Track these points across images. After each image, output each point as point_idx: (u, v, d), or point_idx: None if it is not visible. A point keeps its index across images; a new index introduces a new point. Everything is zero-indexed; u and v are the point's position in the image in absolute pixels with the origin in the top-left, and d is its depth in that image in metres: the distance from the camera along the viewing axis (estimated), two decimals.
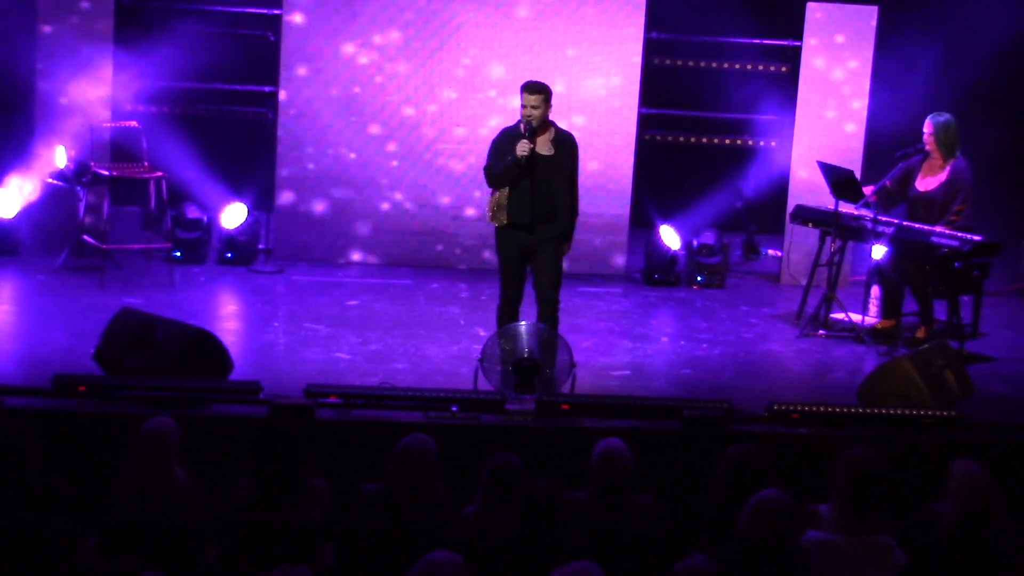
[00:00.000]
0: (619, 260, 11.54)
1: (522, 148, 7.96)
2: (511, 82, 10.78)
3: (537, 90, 8.06)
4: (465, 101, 11.24)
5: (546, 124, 8.14)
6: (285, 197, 11.36)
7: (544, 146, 8.14)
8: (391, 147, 11.32)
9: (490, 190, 8.25)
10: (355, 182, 11.33)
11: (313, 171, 11.31)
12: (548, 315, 8.28)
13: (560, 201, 8.17)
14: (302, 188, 11.34)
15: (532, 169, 8.04)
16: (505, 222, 8.16)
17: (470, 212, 11.34)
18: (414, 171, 11.36)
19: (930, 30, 12.04)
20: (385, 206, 11.39)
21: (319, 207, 11.36)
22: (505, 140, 8.16)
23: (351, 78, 11.22)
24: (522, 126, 8.07)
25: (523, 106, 8.05)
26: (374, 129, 11.29)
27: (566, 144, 8.23)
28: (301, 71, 11.18)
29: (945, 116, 9.67)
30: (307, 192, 11.34)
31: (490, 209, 8.24)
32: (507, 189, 8.12)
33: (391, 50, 11.21)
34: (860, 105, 11.37)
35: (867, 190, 9.71)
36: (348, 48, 11.20)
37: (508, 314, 8.30)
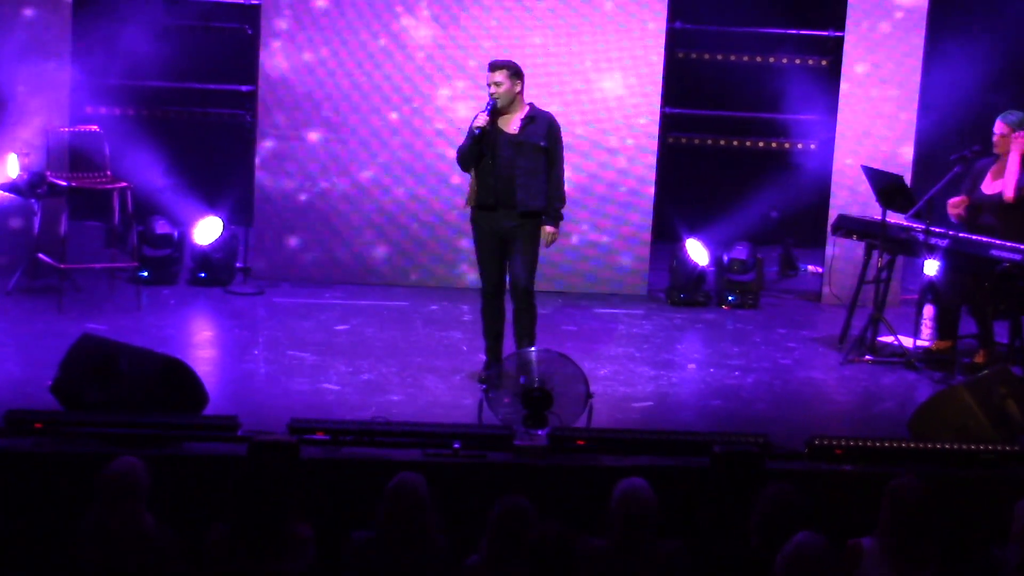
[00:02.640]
0: (640, 278, 11.55)
1: (477, 121, 8.63)
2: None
3: (499, 67, 8.74)
4: (470, 100, 11.28)
5: (517, 103, 8.74)
6: (265, 210, 11.40)
7: (511, 124, 8.72)
8: (384, 154, 11.36)
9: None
10: (344, 193, 11.37)
11: (297, 180, 11.35)
12: (521, 306, 8.82)
13: (528, 183, 8.66)
14: (284, 200, 11.38)
15: (495, 148, 8.65)
16: (472, 204, 8.83)
17: (465, 221, 11.38)
18: (411, 180, 11.40)
19: (989, 16, 12.07)
20: (378, 220, 11.42)
21: (303, 222, 11.39)
22: (471, 123, 8.78)
23: (340, 76, 11.27)
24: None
25: (487, 84, 8.72)
26: (365, 133, 11.33)
27: (538, 123, 8.74)
28: (282, 68, 11.23)
29: (1017, 114, 9.67)
30: (290, 204, 11.38)
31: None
32: (475, 170, 8.75)
33: (388, 46, 11.26)
34: (910, 103, 11.38)
35: (953, 201, 9.70)
36: (336, 44, 11.25)
37: (488, 311, 8.92)
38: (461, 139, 10.47)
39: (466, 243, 11.41)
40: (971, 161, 9.77)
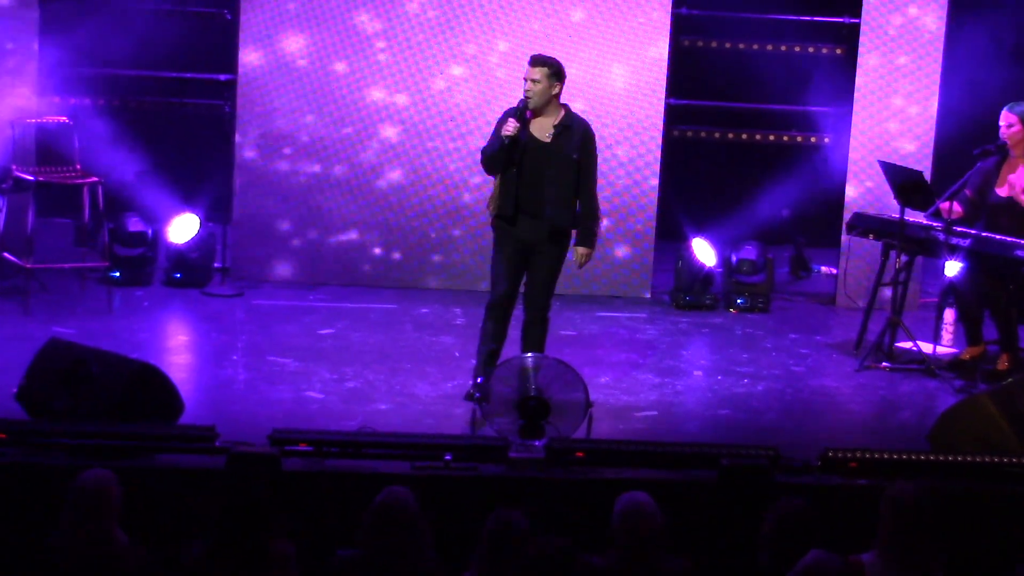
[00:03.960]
0: (644, 279, 11.56)
1: (508, 127, 8.26)
2: (515, 73, 10.85)
3: (540, 62, 8.33)
4: (466, 88, 11.29)
5: (553, 105, 8.38)
6: (244, 206, 11.40)
7: (543, 130, 8.39)
8: (371, 146, 11.37)
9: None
10: (328, 190, 11.37)
11: (278, 176, 11.35)
12: (536, 321, 8.63)
13: (556, 196, 8.37)
14: (265, 196, 11.38)
15: (522, 155, 8.32)
16: (493, 213, 8.55)
17: (465, 223, 11.40)
18: (402, 175, 11.40)
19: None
20: (365, 217, 11.42)
21: (286, 218, 11.40)
22: (503, 120, 8.42)
23: (326, 63, 11.27)
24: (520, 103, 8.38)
25: (524, 80, 8.35)
26: (352, 125, 11.33)
27: (573, 131, 8.41)
28: (263, 56, 11.23)
29: None
30: (271, 200, 11.38)
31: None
32: (500, 176, 8.44)
33: (377, 31, 11.27)
34: (931, 93, 11.40)
35: (943, 206, 9.62)
36: (322, 29, 11.25)
37: (491, 324, 8.59)
38: (457, 131, 10.44)
39: (459, 240, 11.42)
40: (989, 157, 9.76)
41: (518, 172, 8.35)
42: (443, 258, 11.49)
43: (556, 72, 8.33)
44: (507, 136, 8.26)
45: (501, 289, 8.58)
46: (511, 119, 8.29)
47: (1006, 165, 9.73)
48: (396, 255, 11.48)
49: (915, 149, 11.30)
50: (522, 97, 8.35)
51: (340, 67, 11.27)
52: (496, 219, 8.54)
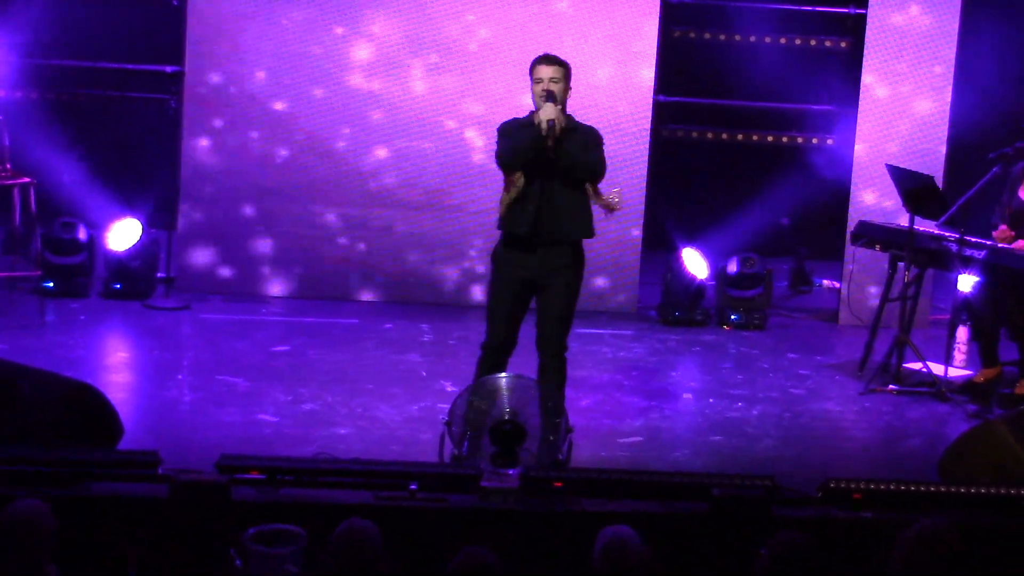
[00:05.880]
0: (629, 293, 11.59)
1: (547, 112, 7.94)
2: (490, 67, 10.89)
3: (557, 61, 8.16)
4: (446, 78, 11.32)
5: (562, 114, 8.15)
6: (191, 211, 11.39)
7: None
8: (336, 145, 11.37)
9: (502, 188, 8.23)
10: (282, 192, 11.38)
11: (228, 178, 11.35)
12: (553, 368, 8.26)
13: (572, 206, 8.15)
14: (214, 199, 11.38)
15: (531, 167, 8.02)
16: (505, 230, 8.19)
17: (428, 226, 11.42)
18: (358, 178, 11.42)
19: None
20: (323, 223, 11.43)
21: (235, 225, 11.40)
22: (514, 125, 8.15)
23: (280, 54, 11.28)
24: (536, 101, 8.07)
25: (538, 81, 8.10)
26: (311, 124, 11.34)
27: (579, 134, 8.19)
28: (213, 47, 11.23)
29: None
30: (220, 204, 11.38)
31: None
32: (512, 190, 8.11)
33: (338, 18, 11.30)
34: (943, 92, 11.46)
35: (998, 234, 9.75)
36: (278, 16, 11.26)
37: (491, 363, 8.28)
38: (425, 130, 10.45)
39: (429, 250, 11.44)
40: (1013, 161, 9.82)
41: (538, 187, 8.08)
42: (408, 265, 11.50)
43: (569, 74, 8.18)
44: (550, 119, 7.91)
45: (498, 332, 8.29)
46: (548, 105, 7.96)
47: None
48: (358, 266, 11.48)
49: (927, 151, 11.36)
50: (544, 97, 8.00)
51: (304, 58, 11.28)
52: (503, 245, 8.23)
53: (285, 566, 6.26)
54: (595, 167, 8.11)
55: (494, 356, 8.28)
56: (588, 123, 8.19)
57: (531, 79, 8.14)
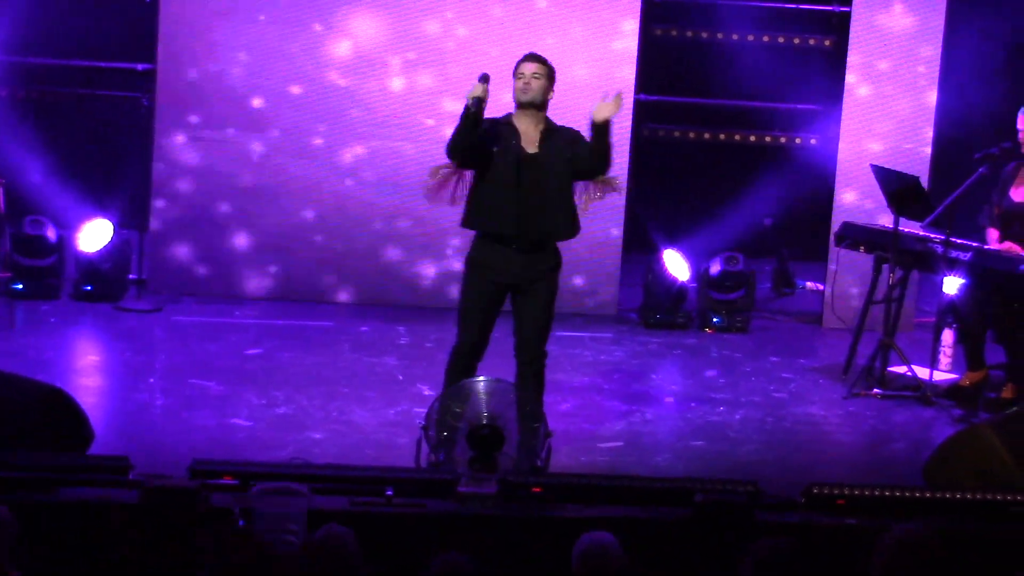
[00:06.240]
0: (609, 295, 11.58)
1: (475, 91, 7.91)
2: (468, 65, 10.88)
3: (541, 60, 8.18)
4: (424, 74, 11.31)
5: (542, 115, 8.17)
6: (163, 211, 11.36)
7: (528, 142, 8.14)
8: (312, 143, 11.36)
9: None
10: (256, 193, 11.36)
11: (202, 177, 11.32)
12: (530, 373, 8.23)
13: (557, 217, 8.15)
14: (186, 200, 11.35)
15: (516, 170, 8.03)
16: (482, 230, 8.12)
17: (405, 225, 11.40)
18: (333, 177, 11.40)
19: None
20: (297, 223, 11.41)
21: (209, 225, 11.37)
22: (487, 125, 8.09)
23: (256, 50, 11.26)
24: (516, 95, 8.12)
25: (520, 76, 8.13)
26: (285, 121, 11.32)
27: (559, 135, 8.20)
28: (186, 44, 11.21)
29: None
30: (193, 205, 11.36)
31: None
32: (482, 185, 8.09)
33: (315, 15, 11.28)
34: (928, 91, 11.47)
35: (993, 234, 9.79)
36: (254, 13, 11.24)
37: (462, 366, 8.24)
38: (402, 128, 10.46)
39: (407, 248, 11.43)
40: (1000, 161, 9.83)
41: (518, 187, 8.05)
42: (384, 267, 11.48)
43: (552, 75, 8.20)
44: (473, 97, 7.91)
45: (469, 337, 8.23)
46: (478, 83, 7.95)
47: (1023, 171, 9.81)
48: (332, 267, 11.46)
49: (912, 151, 11.38)
50: (487, 80, 7.99)
51: (281, 55, 11.26)
52: (478, 247, 8.17)
53: (288, 526, 6.28)
54: (611, 151, 8.11)
55: (465, 359, 8.23)
56: (566, 123, 8.18)
57: (514, 78, 8.16)
